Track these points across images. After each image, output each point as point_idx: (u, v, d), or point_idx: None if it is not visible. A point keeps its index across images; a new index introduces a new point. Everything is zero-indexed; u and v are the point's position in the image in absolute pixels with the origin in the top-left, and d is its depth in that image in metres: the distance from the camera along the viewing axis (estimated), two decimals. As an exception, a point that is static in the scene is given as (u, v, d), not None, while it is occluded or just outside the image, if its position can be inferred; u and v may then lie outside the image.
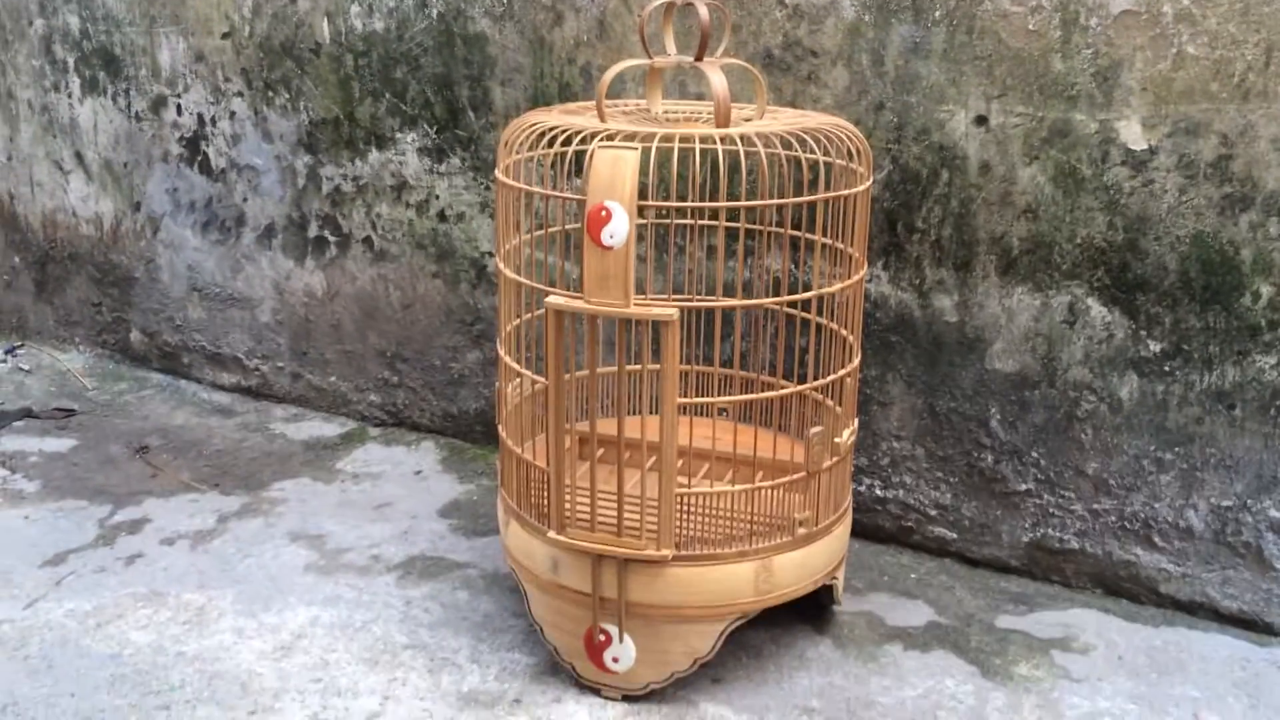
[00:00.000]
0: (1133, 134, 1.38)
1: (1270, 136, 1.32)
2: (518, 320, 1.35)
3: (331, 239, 2.03)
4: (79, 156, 2.29)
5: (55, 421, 2.09)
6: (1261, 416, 1.40)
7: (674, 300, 1.49)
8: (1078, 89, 1.40)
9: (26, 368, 2.35)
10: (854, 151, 1.28)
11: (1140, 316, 1.43)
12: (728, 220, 1.54)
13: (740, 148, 1.19)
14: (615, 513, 1.22)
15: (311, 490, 1.82)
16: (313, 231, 2.04)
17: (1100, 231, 1.43)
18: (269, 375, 2.18)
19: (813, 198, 1.23)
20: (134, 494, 1.80)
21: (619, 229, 1.12)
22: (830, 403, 1.39)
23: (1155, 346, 1.43)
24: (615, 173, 1.12)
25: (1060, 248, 1.45)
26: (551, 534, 1.24)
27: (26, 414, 2.12)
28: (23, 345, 2.47)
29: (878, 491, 1.64)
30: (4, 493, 1.80)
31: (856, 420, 1.39)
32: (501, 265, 1.31)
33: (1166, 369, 1.43)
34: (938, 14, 1.44)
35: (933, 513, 1.62)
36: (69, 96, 2.25)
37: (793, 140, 1.26)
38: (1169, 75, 1.35)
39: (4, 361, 2.38)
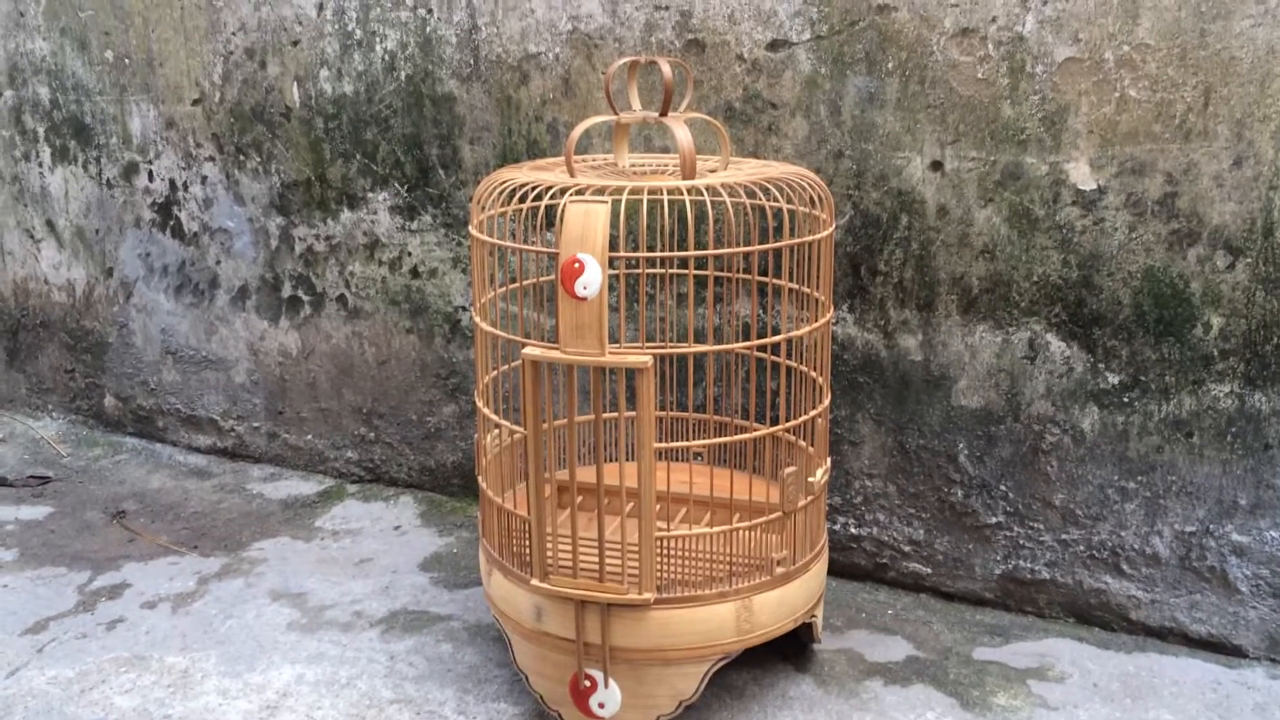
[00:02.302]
0: (1082, 175, 1.44)
1: (1212, 173, 1.37)
2: (495, 372, 1.37)
3: (305, 298, 2.05)
4: (50, 224, 2.30)
5: (30, 489, 2.09)
6: (1219, 443, 1.44)
7: (647, 348, 1.52)
8: (1027, 133, 1.45)
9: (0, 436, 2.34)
10: (816, 199, 1.33)
11: (1098, 350, 1.48)
12: (697, 268, 1.58)
13: (706, 198, 1.22)
14: (597, 559, 1.24)
15: (291, 549, 1.82)
16: (286, 291, 2.06)
17: (1055, 269, 1.47)
18: (245, 436, 2.19)
19: (778, 244, 1.26)
20: (113, 559, 1.80)
21: (592, 280, 1.15)
22: (803, 443, 1.42)
23: (1114, 378, 1.48)
24: (587, 226, 1.15)
25: (1018, 286, 1.50)
26: (534, 582, 1.26)
27: (1, 482, 2.11)
28: (-5, 414, 2.47)
29: (852, 529, 1.67)
30: (-20, 562, 1.79)
31: (829, 460, 1.42)
32: (477, 319, 1.34)
33: (1126, 400, 1.48)
34: (890, 65, 1.50)
35: (906, 549, 1.64)
36: (40, 165, 2.27)
37: (757, 189, 1.30)
38: (1113, 118, 1.40)
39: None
